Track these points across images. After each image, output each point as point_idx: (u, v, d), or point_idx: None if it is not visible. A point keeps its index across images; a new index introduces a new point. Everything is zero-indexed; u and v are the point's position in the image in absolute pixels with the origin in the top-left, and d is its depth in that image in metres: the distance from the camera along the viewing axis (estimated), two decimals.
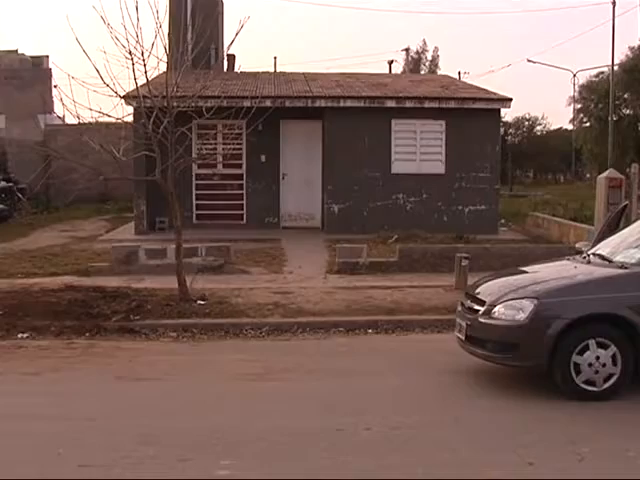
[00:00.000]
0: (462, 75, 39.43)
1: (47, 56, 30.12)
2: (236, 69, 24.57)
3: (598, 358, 6.37)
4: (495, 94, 18.22)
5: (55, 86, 19.28)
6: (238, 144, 17.20)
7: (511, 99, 17.86)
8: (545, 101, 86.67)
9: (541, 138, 48.96)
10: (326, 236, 16.59)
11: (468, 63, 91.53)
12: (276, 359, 7.93)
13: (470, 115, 17.35)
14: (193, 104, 10.12)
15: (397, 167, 17.48)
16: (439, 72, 47.49)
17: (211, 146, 16.51)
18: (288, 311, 9.62)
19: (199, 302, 9.79)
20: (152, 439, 5.53)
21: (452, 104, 17.59)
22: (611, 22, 32.60)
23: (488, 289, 7.16)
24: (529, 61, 45.96)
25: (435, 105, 17.45)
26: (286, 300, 10.08)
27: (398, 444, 5.48)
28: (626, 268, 6.80)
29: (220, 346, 8.59)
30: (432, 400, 6.52)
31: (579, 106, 39.89)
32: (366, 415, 6.04)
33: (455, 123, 17.40)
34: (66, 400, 6.52)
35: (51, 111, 24.98)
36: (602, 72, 37.38)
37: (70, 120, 10.62)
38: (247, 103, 11.90)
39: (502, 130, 33.25)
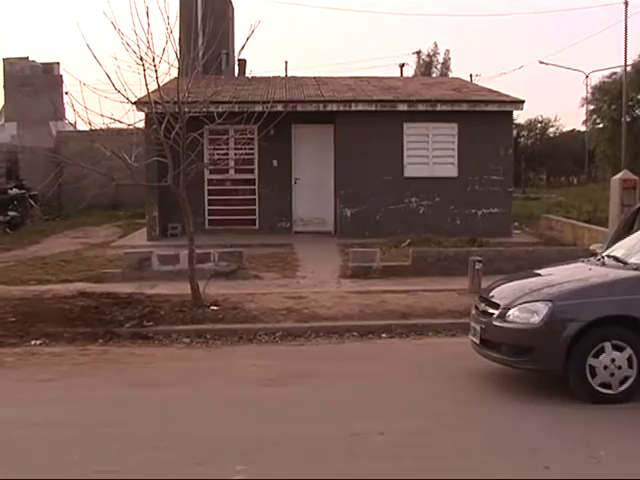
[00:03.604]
0: (474, 78, 39.48)
1: (58, 63, 30.18)
2: (247, 74, 24.64)
3: (614, 360, 6.36)
4: (507, 96, 18.19)
5: (66, 92, 19.45)
6: (250, 149, 17.26)
7: (523, 101, 17.84)
8: (558, 103, 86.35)
9: (554, 140, 48.75)
10: (339, 240, 16.60)
11: (480, 65, 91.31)
12: (290, 364, 7.95)
13: (482, 118, 17.33)
14: (204, 109, 10.17)
15: (410, 170, 17.49)
16: (451, 75, 47.46)
17: (223, 151, 16.58)
18: (301, 316, 9.65)
19: (212, 308, 9.83)
20: (166, 445, 5.56)
21: (464, 107, 17.60)
22: (623, 22, 32.55)
23: (502, 292, 7.16)
24: (541, 63, 45.67)
25: (447, 108, 17.46)
26: (299, 305, 10.10)
27: (413, 448, 5.48)
28: None
29: (234, 351, 8.62)
30: (447, 404, 6.51)
31: (592, 107, 39.75)
32: (381, 420, 6.05)
33: (467, 126, 17.39)
34: (80, 407, 6.56)
35: (62, 118, 25.07)
36: (615, 73, 37.23)
37: (82, 127, 10.69)
38: (259, 108, 11.94)
39: (515, 132, 33.20)
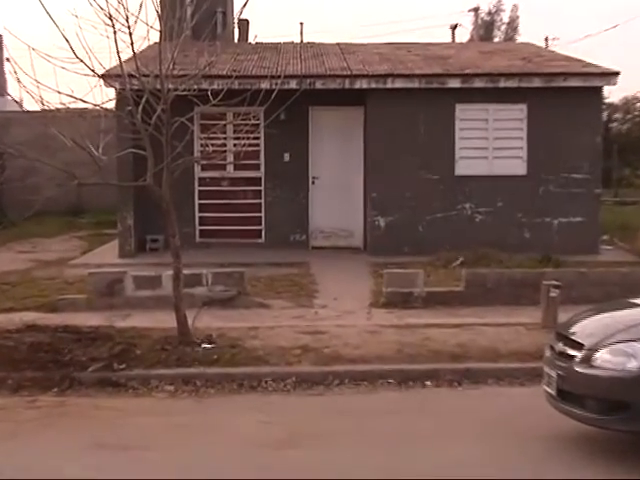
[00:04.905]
0: (550, 42, 39.45)
1: None
2: (250, 39, 24.82)
3: None
4: (595, 67, 18.15)
5: (7, 59, 19.48)
6: (254, 139, 17.29)
7: (618, 73, 17.74)
8: None
9: None
10: (370, 258, 16.66)
11: (558, 26, 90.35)
12: (305, 420, 7.95)
13: (561, 96, 17.30)
14: (195, 86, 10.22)
15: (463, 167, 17.50)
16: (518, 39, 47.47)
17: (219, 142, 16.64)
18: (321, 357, 9.66)
19: (204, 346, 9.86)
20: None
21: (537, 82, 17.56)
22: None
23: (587, 328, 7.14)
24: None
25: (514, 84, 17.42)
26: (318, 342, 10.12)
27: None
28: None
29: (232, 403, 8.63)
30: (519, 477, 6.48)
31: None
32: None
33: (541, 107, 17.38)
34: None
35: (3, 93, 25.12)
36: None
37: (31, 106, 10.65)
38: (265, 85, 12.02)
39: (605, 115, 33.01)
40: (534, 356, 9.02)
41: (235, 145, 16.65)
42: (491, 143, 17.59)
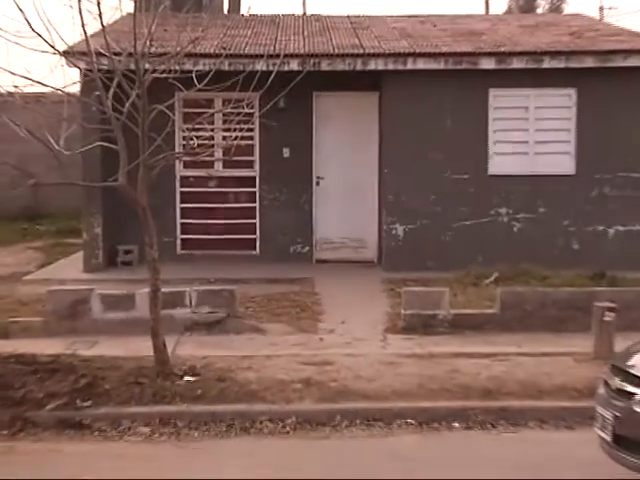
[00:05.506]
0: (605, 13, 39.43)
1: None
2: (244, 11, 24.86)
3: None
4: None
5: None
6: (248, 131, 17.25)
7: None
8: None
9: None
10: (385, 274, 16.65)
11: None
12: (309, 469, 7.92)
13: (619, 79, 17.25)
14: (177, 67, 10.22)
15: (498, 165, 17.45)
16: (566, 10, 47.49)
17: (205, 134, 16.62)
18: (326, 392, 9.64)
19: (187, 378, 9.84)
20: None
21: (589, 61, 17.48)
22: None
23: None
24: None
25: (560, 64, 17.34)
26: (323, 375, 10.10)
27: None
28: None
29: (219, 448, 8.63)
30: None
31: None
32: None
33: (593, 92, 17.35)
34: None
35: None
36: None
37: None
38: (261, 66, 11.97)
39: None
40: (584, 393, 9.00)
41: (225, 138, 16.54)
42: (532, 136, 17.50)
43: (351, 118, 18.47)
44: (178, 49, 10.40)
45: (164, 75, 10.06)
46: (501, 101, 17.48)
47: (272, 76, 11.02)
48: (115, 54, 9.96)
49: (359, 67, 17.36)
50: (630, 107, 17.33)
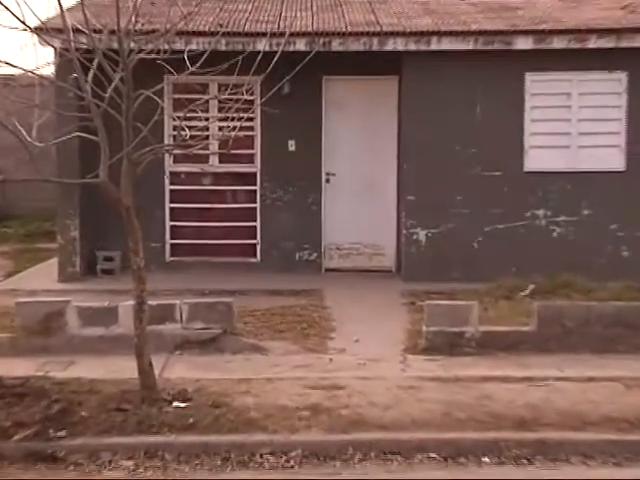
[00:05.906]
0: None
1: None
2: None
3: None
4: None
5: None
6: (248, 120, 17.23)
7: None
8: None
9: None
10: (404, 285, 16.70)
11: None
12: None
13: None
14: (166, 46, 10.16)
15: (535, 160, 17.47)
16: None
17: (199, 124, 16.61)
18: (337, 421, 9.57)
19: (176, 404, 9.81)
20: None
21: None
22: None
23: None
24: None
25: (609, 44, 17.28)
26: (334, 401, 10.06)
27: None
28: None
29: None
30: None
31: None
32: None
33: None
34: None
35: None
36: None
37: None
38: (263, 45, 11.94)
39: None
40: (636, 425, 8.93)
41: (221, 129, 16.58)
42: (575, 127, 17.51)
43: (366, 106, 18.54)
44: (168, 26, 10.31)
45: (152, 56, 9.96)
46: (539, 87, 17.50)
47: (276, 58, 10.92)
48: (95, 31, 9.87)
49: (375, 47, 17.33)
50: None
